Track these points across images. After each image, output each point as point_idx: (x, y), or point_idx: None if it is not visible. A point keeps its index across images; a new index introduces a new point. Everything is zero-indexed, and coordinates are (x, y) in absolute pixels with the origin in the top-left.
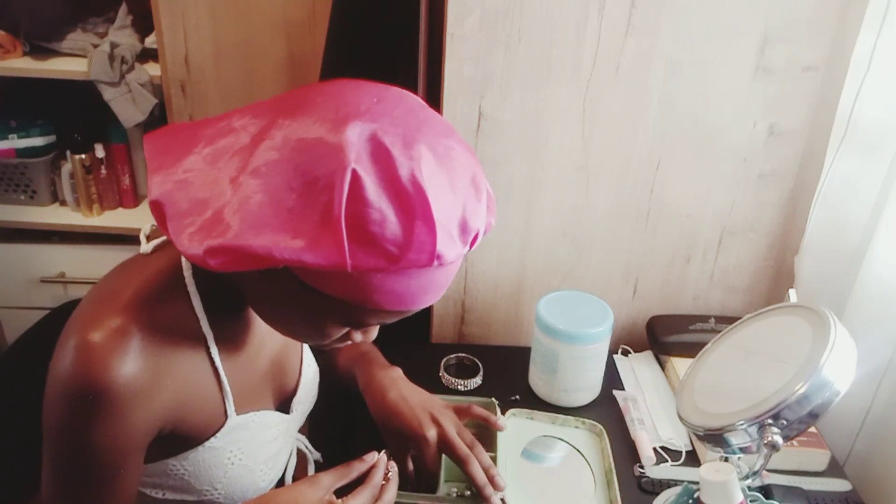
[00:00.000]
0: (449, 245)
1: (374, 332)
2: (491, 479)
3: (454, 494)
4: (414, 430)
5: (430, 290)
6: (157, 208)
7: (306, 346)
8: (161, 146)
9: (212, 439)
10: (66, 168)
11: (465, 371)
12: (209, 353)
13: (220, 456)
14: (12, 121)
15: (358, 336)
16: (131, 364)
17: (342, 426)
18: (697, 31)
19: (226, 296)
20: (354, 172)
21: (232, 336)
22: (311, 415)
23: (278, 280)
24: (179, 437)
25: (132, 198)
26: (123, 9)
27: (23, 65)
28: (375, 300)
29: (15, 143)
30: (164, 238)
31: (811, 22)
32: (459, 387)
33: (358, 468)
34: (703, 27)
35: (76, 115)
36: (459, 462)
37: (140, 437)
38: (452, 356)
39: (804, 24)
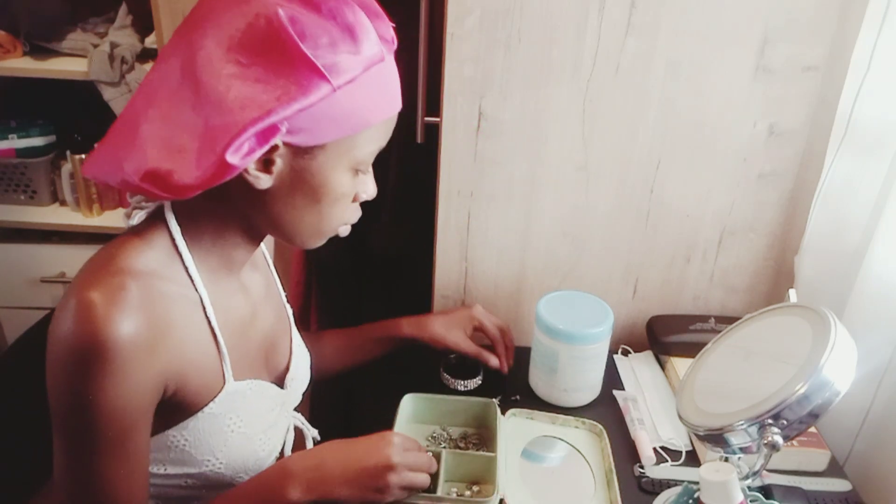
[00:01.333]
0: (381, 24)
1: (372, 182)
2: (508, 355)
3: (454, 494)
4: (461, 310)
5: (393, 85)
6: (151, 177)
7: (294, 328)
8: (102, 161)
9: (211, 405)
10: (66, 168)
11: (466, 371)
12: (206, 314)
13: (220, 423)
14: (12, 121)
15: (362, 193)
16: (133, 318)
17: (343, 417)
18: (697, 31)
19: (220, 256)
20: (285, 14)
21: (226, 300)
22: (312, 408)
23: (282, 172)
24: (181, 402)
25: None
26: (123, 9)
27: (23, 65)
28: (364, 118)
29: (15, 143)
30: (147, 209)
31: (811, 22)
32: (459, 387)
33: (420, 444)
34: (703, 27)
35: (76, 115)
36: (493, 341)
37: (146, 396)
38: (452, 356)
39: (804, 24)
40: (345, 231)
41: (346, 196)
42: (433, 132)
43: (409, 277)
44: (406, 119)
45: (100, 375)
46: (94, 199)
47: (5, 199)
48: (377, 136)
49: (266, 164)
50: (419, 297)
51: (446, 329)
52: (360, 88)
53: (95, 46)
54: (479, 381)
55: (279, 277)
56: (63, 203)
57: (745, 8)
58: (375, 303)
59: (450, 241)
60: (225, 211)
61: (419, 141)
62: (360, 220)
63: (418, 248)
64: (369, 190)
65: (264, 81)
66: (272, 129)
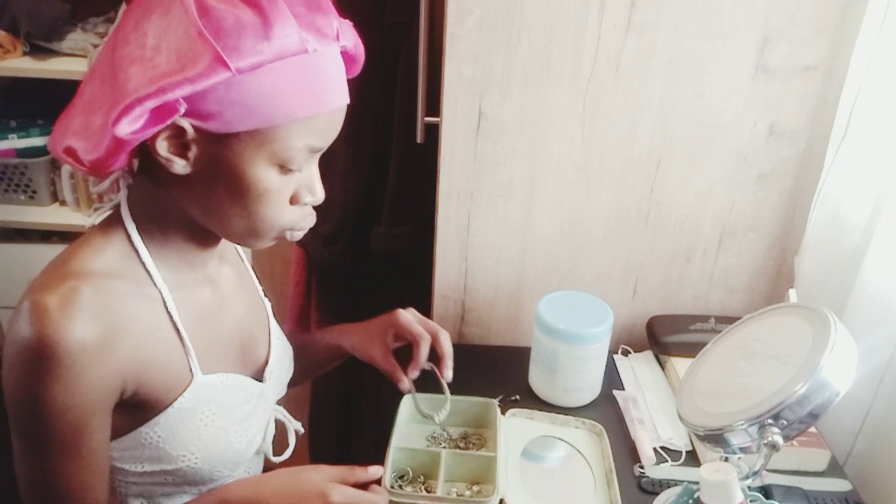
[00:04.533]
0: (320, 17)
1: (318, 184)
2: (441, 361)
3: (454, 494)
4: (383, 317)
5: (325, 80)
6: (68, 153)
7: (273, 322)
8: (53, 136)
9: (180, 399)
10: (66, 168)
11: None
12: (167, 310)
13: (192, 417)
14: (12, 121)
15: (306, 195)
16: (82, 322)
17: (343, 417)
18: (697, 30)
19: (175, 250)
20: None
21: (189, 294)
22: (312, 408)
23: (200, 160)
24: (146, 400)
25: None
26: (123, 9)
27: (23, 65)
28: (280, 110)
29: (15, 143)
30: (107, 208)
31: (811, 22)
32: (434, 418)
33: (360, 476)
34: (703, 27)
35: None
36: (413, 345)
37: (98, 397)
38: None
39: (804, 24)
40: (294, 236)
41: (271, 194)
42: (433, 132)
43: (409, 277)
44: (406, 119)
45: (49, 378)
46: (94, 199)
47: (5, 199)
48: (304, 132)
49: (183, 148)
50: (419, 297)
51: (366, 340)
52: (272, 77)
53: (95, 46)
54: (447, 412)
55: (255, 271)
56: (63, 203)
57: (745, 8)
58: (375, 303)
59: (450, 241)
60: (167, 204)
61: (419, 141)
62: (360, 220)
63: (418, 248)
64: (316, 193)
65: (165, 59)
66: (168, 108)
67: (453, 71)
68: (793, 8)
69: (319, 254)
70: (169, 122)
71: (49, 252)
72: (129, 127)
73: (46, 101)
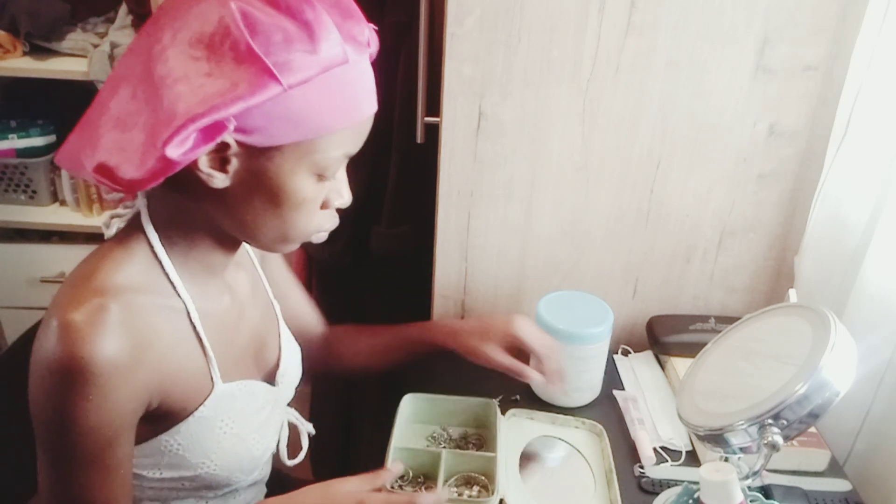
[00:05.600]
0: (353, 25)
1: (346, 189)
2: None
3: (454, 494)
4: (498, 321)
5: (361, 89)
6: (101, 171)
7: (283, 325)
8: (69, 151)
9: (201, 408)
10: None
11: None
12: (190, 320)
13: (212, 426)
14: (12, 121)
15: (336, 199)
16: (112, 340)
17: (343, 417)
18: (697, 30)
19: (198, 260)
20: (238, 8)
21: (211, 303)
22: (312, 408)
23: (239, 173)
24: (169, 410)
25: (132, 198)
26: (123, 9)
27: (23, 65)
28: (323, 122)
29: (15, 143)
30: (125, 219)
31: (811, 22)
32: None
33: (385, 476)
34: (703, 27)
35: (76, 115)
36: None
37: (127, 412)
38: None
39: (804, 24)
40: (319, 238)
41: (308, 202)
42: (433, 132)
43: (409, 277)
44: (406, 119)
45: (80, 396)
46: (94, 199)
47: (5, 199)
48: (342, 141)
49: (222, 162)
50: (419, 297)
51: (479, 341)
52: (317, 90)
53: (95, 46)
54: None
55: (267, 276)
56: (63, 203)
57: (745, 8)
58: (375, 303)
59: (450, 241)
60: (192, 213)
61: (419, 141)
62: (360, 220)
63: (418, 248)
64: (344, 197)
65: (213, 77)
66: (217, 126)
67: (453, 71)
68: (793, 8)
69: (319, 253)
70: (218, 139)
71: (49, 252)
72: (180, 148)
73: (46, 101)
